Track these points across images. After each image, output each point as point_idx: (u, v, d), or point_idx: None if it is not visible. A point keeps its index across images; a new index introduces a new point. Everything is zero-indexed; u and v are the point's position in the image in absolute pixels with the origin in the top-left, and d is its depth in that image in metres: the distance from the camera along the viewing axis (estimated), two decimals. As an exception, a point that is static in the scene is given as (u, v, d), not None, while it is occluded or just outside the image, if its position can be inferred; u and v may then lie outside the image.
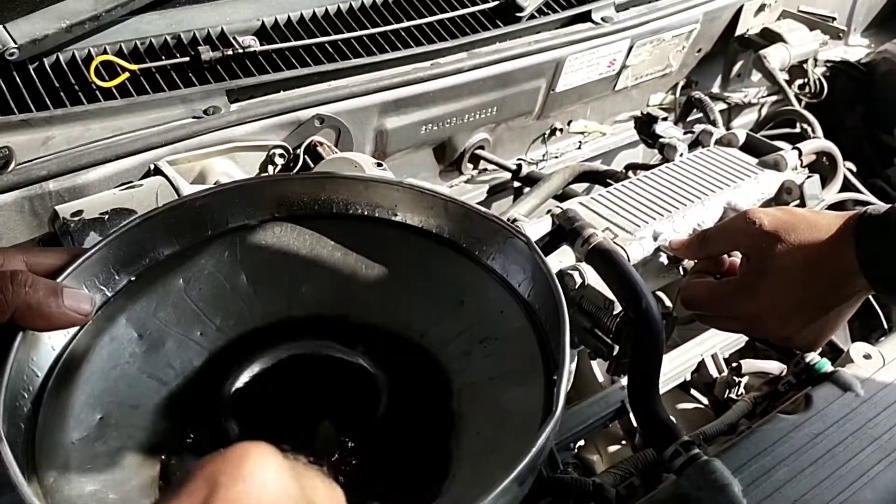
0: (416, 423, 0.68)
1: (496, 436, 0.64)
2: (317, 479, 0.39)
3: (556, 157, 1.38)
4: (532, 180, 1.24)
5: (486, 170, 1.32)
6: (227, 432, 0.65)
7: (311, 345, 0.73)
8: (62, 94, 0.97)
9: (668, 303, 1.00)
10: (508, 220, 0.98)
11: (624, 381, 0.98)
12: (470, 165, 1.30)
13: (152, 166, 0.92)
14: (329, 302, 0.75)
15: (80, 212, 0.82)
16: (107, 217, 0.82)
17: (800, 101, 1.51)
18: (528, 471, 0.51)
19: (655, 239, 0.94)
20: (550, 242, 0.85)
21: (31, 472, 0.56)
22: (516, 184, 1.32)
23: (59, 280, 0.59)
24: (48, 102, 0.96)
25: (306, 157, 1.02)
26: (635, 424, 0.97)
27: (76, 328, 0.64)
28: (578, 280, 0.87)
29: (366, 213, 0.75)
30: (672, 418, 0.82)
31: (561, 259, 0.91)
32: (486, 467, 0.63)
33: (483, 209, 0.71)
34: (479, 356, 0.69)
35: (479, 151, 1.28)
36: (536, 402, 0.62)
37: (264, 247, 0.74)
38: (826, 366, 0.93)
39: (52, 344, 0.62)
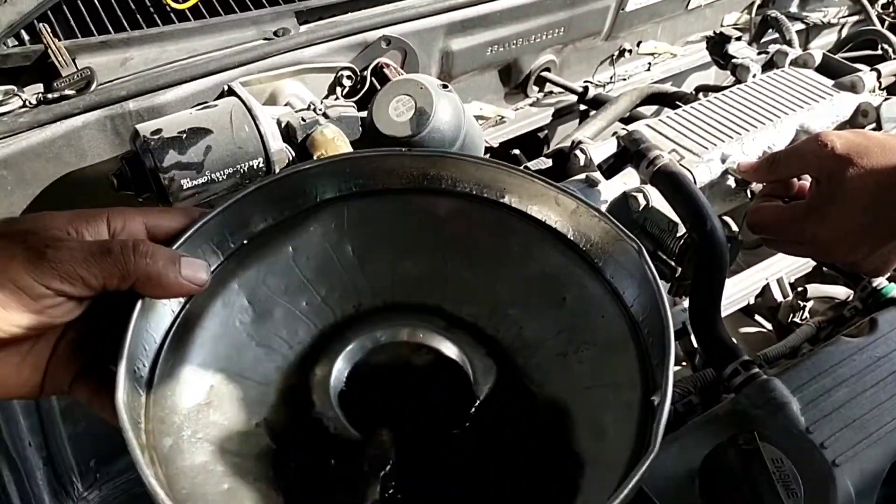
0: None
1: (588, 450, 0.62)
2: None
3: (625, 80, 1.36)
4: (599, 103, 1.23)
5: (551, 92, 1.31)
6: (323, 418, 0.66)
7: (414, 331, 0.72)
8: (138, 16, 1.00)
9: (734, 227, 0.99)
10: (573, 142, 0.98)
11: (685, 303, 0.99)
12: (535, 88, 1.29)
13: (226, 87, 0.95)
14: (428, 281, 0.73)
15: (159, 130, 0.86)
16: (184, 136, 0.86)
17: (882, 21, 1.45)
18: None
19: (723, 162, 0.93)
20: (615, 164, 0.86)
21: (149, 438, 0.57)
22: (582, 107, 1.30)
23: (176, 245, 0.60)
24: (125, 24, 0.99)
25: (373, 78, 1.03)
26: (696, 345, 0.99)
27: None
28: (643, 202, 0.88)
29: (474, 192, 0.72)
30: (733, 339, 0.83)
31: (625, 181, 0.91)
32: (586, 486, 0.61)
33: (595, 206, 0.67)
34: (575, 361, 0.67)
35: (545, 73, 1.27)
36: (630, 423, 0.59)
37: (371, 219, 0.73)
38: (894, 290, 0.92)
39: (169, 309, 0.63)
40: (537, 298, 0.70)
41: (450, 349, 0.71)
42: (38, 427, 0.75)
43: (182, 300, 0.64)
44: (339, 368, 0.68)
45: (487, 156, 1.28)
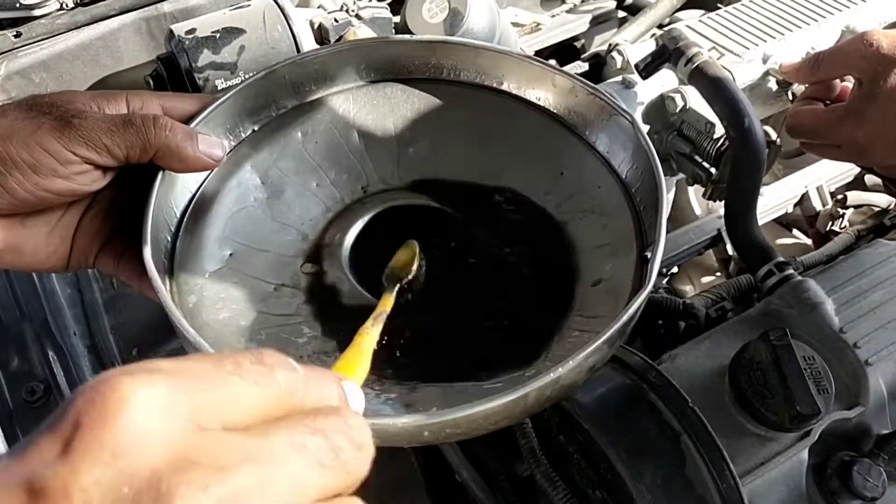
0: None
1: (588, 298, 0.67)
2: (238, 385, 0.30)
3: (665, -15, 1.31)
4: (639, 9, 1.20)
5: (589, -2, 1.28)
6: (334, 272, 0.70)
7: (420, 199, 0.76)
8: (172, -84, 0.99)
9: (773, 135, 0.97)
10: (610, 45, 0.96)
11: (721, 210, 0.98)
12: (573, -7, 1.26)
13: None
14: (432, 163, 0.77)
15: (193, 30, 0.85)
16: (218, 35, 0.85)
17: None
18: (618, 335, 0.55)
19: (765, 62, 0.90)
20: (652, 63, 0.84)
21: (174, 297, 0.62)
22: (621, 13, 1.27)
23: (192, 125, 0.64)
24: (160, -76, 0.98)
25: (407, -19, 1.01)
26: (730, 252, 0.98)
27: (207, 171, 0.69)
28: (680, 103, 0.86)
29: (474, 80, 0.77)
30: (769, 243, 0.82)
31: (663, 83, 0.89)
32: (572, 326, 0.66)
33: (590, 84, 0.71)
34: (576, 227, 0.71)
35: (583, -22, 1.24)
36: (627, 275, 0.65)
37: (376, 106, 0.77)
38: (937, 195, 0.90)
39: (187, 185, 0.68)
40: (537, 174, 0.74)
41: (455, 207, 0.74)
42: (83, 317, 0.78)
43: (199, 180, 0.68)
44: (350, 238, 0.72)
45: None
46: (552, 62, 0.95)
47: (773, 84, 0.91)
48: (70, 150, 0.54)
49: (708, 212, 1.09)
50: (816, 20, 0.94)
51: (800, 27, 0.93)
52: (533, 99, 0.75)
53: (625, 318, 0.54)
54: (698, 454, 0.66)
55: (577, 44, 1.29)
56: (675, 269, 1.06)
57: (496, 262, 0.71)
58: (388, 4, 1.00)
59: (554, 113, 0.74)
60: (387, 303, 0.61)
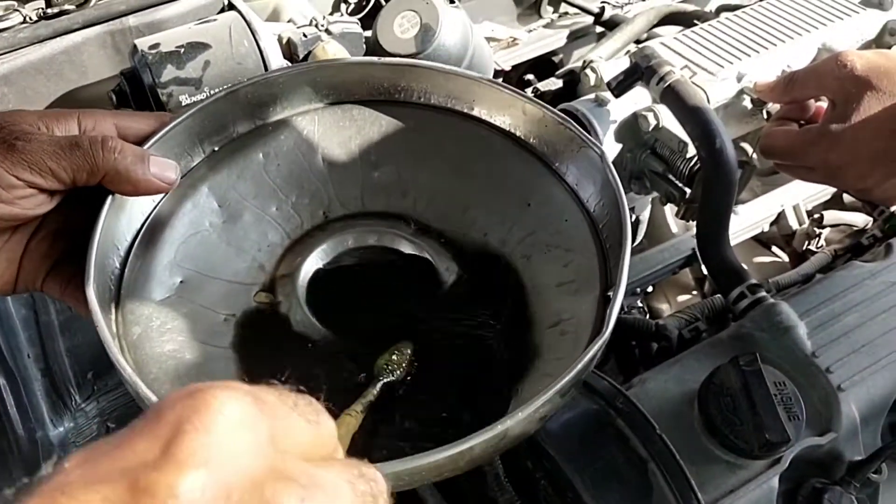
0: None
1: (547, 342, 0.66)
2: (298, 420, 0.33)
3: (644, 0, 1.31)
4: (616, 24, 1.18)
5: (566, 13, 1.26)
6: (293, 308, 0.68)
7: (382, 236, 0.74)
8: (139, -71, 0.98)
9: (750, 152, 0.96)
10: (585, 62, 0.95)
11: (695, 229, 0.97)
12: (550, 8, 1.25)
13: (226, 2, 0.92)
14: (397, 190, 0.76)
15: (157, 45, 0.84)
16: (182, 50, 0.84)
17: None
18: (571, 385, 0.53)
19: (739, 80, 0.89)
20: (624, 82, 0.82)
21: (118, 327, 0.60)
22: (599, 29, 1.26)
23: (146, 146, 0.62)
24: (125, -63, 0.96)
25: (379, -5, 1.00)
26: (705, 271, 0.97)
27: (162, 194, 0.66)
28: (653, 121, 0.85)
29: (445, 104, 0.75)
30: (742, 264, 0.81)
31: (636, 100, 0.88)
32: (534, 373, 0.64)
33: (561, 114, 0.70)
34: (539, 262, 0.70)
35: (560, -7, 1.23)
36: (589, 316, 0.63)
37: (342, 128, 0.75)
38: (911, 216, 0.89)
39: (141, 207, 0.66)
40: (503, 205, 0.72)
41: (415, 251, 0.73)
42: (37, 339, 0.76)
43: (153, 201, 0.66)
44: (307, 269, 0.70)
45: (500, 79, 1.25)
46: (530, 90, 0.94)
47: (747, 102, 0.90)
48: (13, 175, 0.53)
49: (685, 230, 1.08)
50: (792, 38, 0.93)
51: (775, 45, 0.92)
52: (503, 126, 0.74)
53: (575, 370, 0.52)
54: (665, 482, 0.65)
55: (556, 58, 1.28)
56: (650, 288, 1.05)
57: (451, 327, 0.69)
58: (359, 20, 0.98)
59: (524, 141, 0.73)
60: (371, 393, 0.59)
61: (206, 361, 0.62)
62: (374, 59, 0.75)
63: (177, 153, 0.67)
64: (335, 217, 0.74)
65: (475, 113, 0.75)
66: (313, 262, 0.70)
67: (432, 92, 0.75)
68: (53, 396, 0.69)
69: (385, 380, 0.62)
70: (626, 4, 1.26)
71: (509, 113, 0.73)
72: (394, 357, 0.64)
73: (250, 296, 0.68)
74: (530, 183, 0.72)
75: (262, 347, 0.64)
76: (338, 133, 0.75)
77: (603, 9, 1.22)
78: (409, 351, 0.65)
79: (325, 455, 0.34)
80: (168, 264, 0.66)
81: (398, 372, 0.63)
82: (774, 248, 1.16)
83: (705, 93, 0.86)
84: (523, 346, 0.66)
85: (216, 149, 0.71)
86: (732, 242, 0.98)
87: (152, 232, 0.66)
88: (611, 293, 0.59)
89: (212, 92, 0.86)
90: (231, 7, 0.91)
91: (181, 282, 0.66)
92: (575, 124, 0.68)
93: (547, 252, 0.69)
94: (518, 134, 0.73)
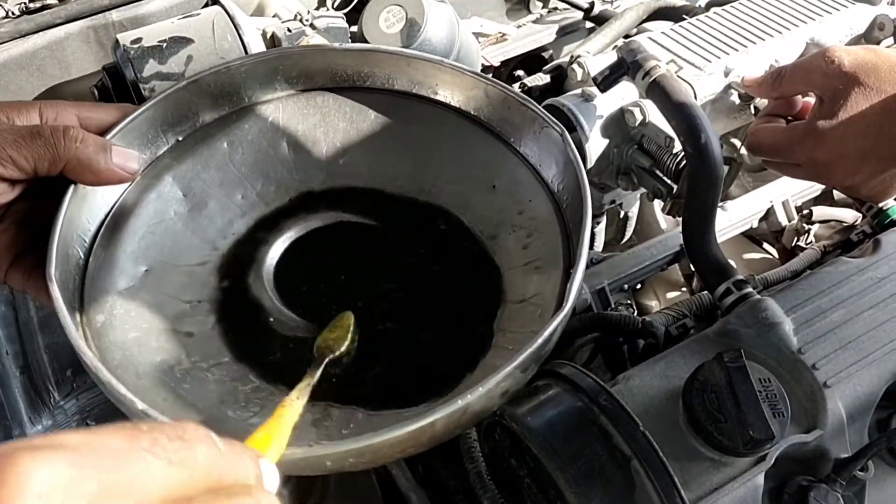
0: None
1: (513, 318, 0.66)
2: (153, 463, 0.28)
3: (634, -4, 1.30)
4: (605, 20, 1.18)
5: (556, 9, 1.26)
6: (256, 288, 0.68)
7: (347, 215, 0.75)
8: (123, -77, 0.97)
9: (743, 151, 0.96)
10: (573, 57, 0.94)
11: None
12: (539, 4, 1.24)
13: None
14: (364, 175, 0.76)
15: (139, 39, 0.83)
16: (165, 45, 0.83)
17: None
18: (532, 360, 0.54)
19: (726, 75, 0.89)
20: (610, 76, 0.82)
21: (81, 315, 0.60)
22: (588, 24, 1.25)
23: (108, 137, 0.62)
24: (109, -68, 0.96)
25: (366, -9, 0.99)
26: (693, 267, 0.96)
27: (126, 184, 0.67)
28: (639, 117, 0.84)
29: (409, 89, 0.76)
30: (728, 260, 0.80)
31: (623, 96, 0.87)
32: (498, 350, 0.65)
33: (522, 95, 0.72)
34: (505, 241, 0.71)
35: (549, -12, 1.22)
36: (553, 293, 0.64)
37: (307, 116, 0.76)
38: (899, 211, 0.88)
39: (104, 198, 0.66)
40: (469, 187, 0.73)
41: (383, 227, 0.73)
42: (16, 336, 0.75)
43: (117, 191, 0.66)
44: (274, 254, 0.70)
45: (490, 75, 1.24)
46: (517, 85, 0.94)
47: (735, 97, 0.89)
48: None
49: (674, 226, 1.07)
50: (781, 32, 0.92)
51: (763, 40, 0.91)
52: (467, 109, 0.75)
53: (536, 344, 0.53)
54: (648, 480, 0.64)
55: (545, 54, 1.27)
56: (638, 285, 1.04)
57: (420, 285, 0.70)
58: (345, 14, 0.98)
59: (487, 123, 0.74)
60: (313, 375, 0.57)
61: (170, 348, 0.62)
62: (336, 45, 0.77)
63: (140, 143, 0.67)
64: (301, 202, 0.74)
65: (439, 97, 0.76)
66: (280, 246, 0.70)
67: (395, 77, 0.76)
68: (32, 394, 0.68)
69: (330, 357, 0.61)
70: (616, 0, 1.26)
71: (472, 96, 0.74)
72: (335, 333, 0.63)
73: (215, 282, 0.68)
74: (495, 165, 0.73)
75: (229, 335, 0.64)
76: (303, 120, 0.76)
77: (592, 4, 1.22)
78: (350, 323, 0.64)
79: (203, 490, 0.30)
80: (132, 253, 0.66)
81: (342, 346, 0.62)
82: (765, 245, 1.16)
83: (692, 87, 0.85)
84: (488, 321, 0.66)
85: (180, 139, 0.71)
86: (721, 238, 0.98)
87: (116, 221, 0.66)
88: (573, 270, 0.59)
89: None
90: (215, 2, 0.91)
91: (145, 270, 0.66)
92: (536, 105, 0.70)
93: (512, 232, 0.70)
94: (482, 117, 0.74)
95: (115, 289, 0.64)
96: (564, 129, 0.67)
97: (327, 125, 0.76)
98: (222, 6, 0.89)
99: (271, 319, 0.66)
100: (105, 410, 0.70)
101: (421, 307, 0.68)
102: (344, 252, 0.71)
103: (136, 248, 0.66)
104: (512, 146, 0.73)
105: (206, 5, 0.93)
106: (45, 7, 0.89)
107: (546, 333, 0.54)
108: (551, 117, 0.68)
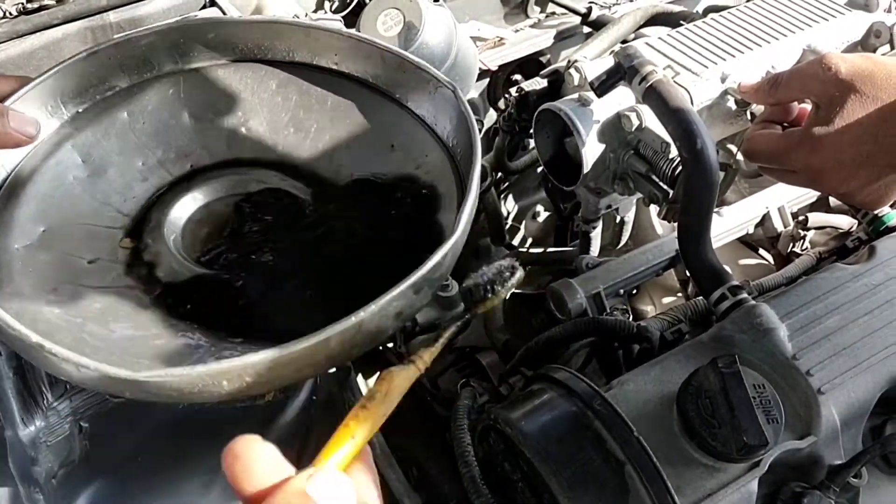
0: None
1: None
2: None
3: (632, 0, 1.30)
4: (603, 25, 1.18)
5: (553, 13, 1.26)
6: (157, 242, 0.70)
7: (250, 177, 0.77)
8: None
9: (739, 157, 0.96)
10: (569, 62, 0.94)
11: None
12: (537, 8, 1.25)
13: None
14: (266, 145, 0.79)
15: (135, 41, 0.83)
16: (161, 46, 0.83)
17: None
18: (425, 282, 0.56)
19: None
20: (607, 81, 0.82)
21: None
22: (586, 29, 1.26)
23: (7, 104, 0.65)
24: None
25: (363, -7, 1.00)
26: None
27: (24, 150, 0.70)
28: (636, 122, 0.84)
29: (309, 60, 0.80)
30: (724, 265, 0.80)
31: (620, 101, 0.87)
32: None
33: (417, 59, 0.75)
34: (407, 193, 0.74)
35: (547, -7, 1.23)
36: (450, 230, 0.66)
37: (209, 88, 0.79)
38: (894, 218, 0.88)
39: (1, 165, 0.69)
40: (368, 148, 0.77)
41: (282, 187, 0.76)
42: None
43: (16, 158, 0.69)
44: (175, 215, 0.73)
45: (487, 80, 1.24)
46: (514, 90, 0.94)
47: (731, 103, 0.89)
48: None
49: (671, 231, 1.07)
50: (777, 39, 0.92)
51: (760, 46, 0.91)
52: (366, 77, 0.78)
53: (427, 267, 0.55)
54: (642, 485, 0.64)
55: (543, 58, 1.28)
56: (634, 290, 1.04)
57: (321, 235, 0.72)
58: (343, 17, 0.98)
59: (385, 90, 0.78)
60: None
61: (67, 301, 0.63)
62: (233, 17, 0.80)
63: (40, 113, 0.70)
64: (202, 168, 0.77)
65: (339, 67, 0.79)
66: (181, 208, 0.73)
67: (295, 49, 0.79)
68: (25, 395, 0.68)
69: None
70: (614, 5, 1.26)
71: (370, 63, 0.77)
72: None
73: (115, 241, 0.70)
74: (393, 127, 0.77)
75: (129, 289, 0.66)
76: (204, 92, 0.78)
77: (590, 9, 1.22)
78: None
79: None
80: (31, 215, 0.68)
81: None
82: (760, 251, 1.16)
83: (689, 93, 0.85)
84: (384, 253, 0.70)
85: (80, 109, 0.74)
86: (718, 244, 0.98)
87: (14, 187, 0.68)
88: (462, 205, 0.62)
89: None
90: (213, 3, 0.91)
91: (43, 231, 0.68)
92: (428, 66, 0.73)
93: (412, 183, 0.74)
94: (380, 84, 0.78)
95: (13, 247, 0.65)
96: (457, 87, 0.71)
97: (229, 96, 0.79)
98: (220, 8, 0.89)
99: (170, 270, 0.68)
100: (98, 412, 0.70)
101: (322, 254, 0.71)
102: (248, 215, 0.74)
103: (35, 210, 0.68)
104: (409, 109, 0.76)
105: (203, 7, 0.93)
106: (42, 7, 0.89)
107: (436, 258, 0.56)
108: (445, 77, 0.72)
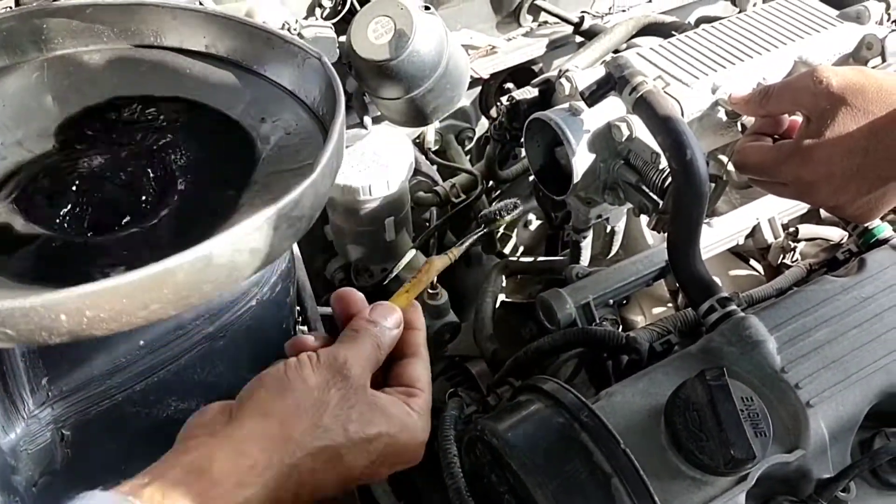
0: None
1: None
2: None
3: (624, 11, 1.30)
4: (595, 34, 1.18)
5: (546, 22, 1.26)
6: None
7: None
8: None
9: (730, 168, 0.96)
10: (561, 71, 0.94)
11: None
12: (529, 17, 1.24)
13: (198, 2, 0.91)
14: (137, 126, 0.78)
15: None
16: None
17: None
18: (283, 220, 0.55)
19: (714, 92, 0.89)
20: (597, 91, 0.82)
21: None
22: (578, 38, 1.26)
23: None
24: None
25: (354, 0, 0.99)
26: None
27: None
28: (626, 132, 0.84)
29: (179, 44, 0.80)
30: (713, 277, 0.80)
31: (610, 111, 0.87)
32: None
33: (286, 34, 0.77)
34: (279, 156, 0.74)
35: (539, 2, 1.22)
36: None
37: (73, 72, 0.78)
38: (885, 231, 0.88)
39: None
40: (240, 126, 0.76)
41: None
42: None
43: None
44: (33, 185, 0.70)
45: (479, 87, 1.24)
46: (505, 98, 0.94)
47: (722, 114, 0.89)
48: None
49: (661, 241, 1.07)
50: (769, 50, 0.92)
51: (751, 57, 0.91)
52: (235, 57, 0.79)
53: (282, 202, 0.54)
54: (629, 498, 0.63)
55: (535, 67, 1.28)
56: (624, 300, 1.04)
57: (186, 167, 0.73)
58: (334, 24, 0.97)
59: (254, 70, 0.78)
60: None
61: None
62: (97, 2, 0.79)
63: None
64: (68, 147, 0.75)
65: (210, 49, 0.79)
66: (42, 179, 0.71)
67: (163, 32, 0.79)
68: (5, 402, 0.67)
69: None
70: (606, 15, 1.26)
71: (238, 42, 0.78)
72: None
73: None
74: (265, 102, 0.77)
75: None
76: (69, 76, 0.78)
77: (582, 19, 1.22)
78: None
79: None
80: None
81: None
82: (751, 261, 1.16)
83: (679, 104, 0.85)
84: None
85: None
86: (708, 255, 0.98)
87: None
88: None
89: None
90: (202, 8, 0.90)
91: None
92: (298, 39, 0.76)
93: (284, 149, 0.74)
94: (249, 64, 0.78)
95: None
96: (322, 55, 0.73)
97: (94, 81, 0.78)
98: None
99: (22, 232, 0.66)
100: (80, 420, 0.69)
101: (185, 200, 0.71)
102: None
103: None
104: (279, 84, 0.77)
105: (193, 12, 0.92)
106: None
107: (293, 195, 0.55)
108: (312, 48, 0.74)
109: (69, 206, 0.68)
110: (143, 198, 0.69)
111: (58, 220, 0.67)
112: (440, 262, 0.73)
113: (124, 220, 0.67)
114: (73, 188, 0.70)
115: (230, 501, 0.52)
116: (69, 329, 0.48)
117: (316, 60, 0.72)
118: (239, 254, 0.53)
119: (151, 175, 0.72)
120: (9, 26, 0.75)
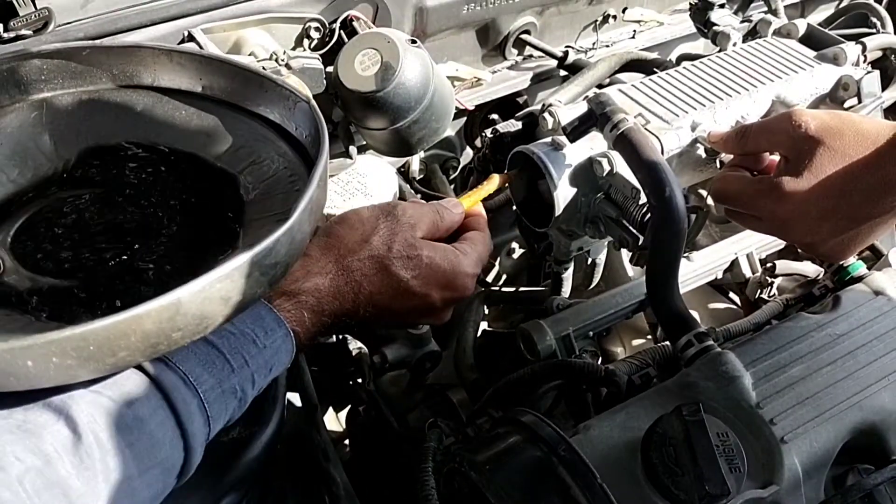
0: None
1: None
2: None
3: (608, 46, 1.32)
4: (579, 69, 1.20)
5: (531, 56, 1.28)
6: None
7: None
8: (102, -44, 0.98)
9: (710, 201, 0.97)
10: (544, 105, 0.96)
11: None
12: (514, 51, 1.26)
13: (186, 33, 0.92)
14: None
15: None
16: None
17: (879, -3, 1.41)
18: (255, 268, 0.56)
19: (693, 130, 0.90)
20: (579, 127, 0.83)
21: None
22: (562, 72, 1.27)
23: None
24: (88, -36, 0.96)
25: (342, 32, 1.01)
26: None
27: None
28: (607, 167, 0.85)
29: (173, 85, 0.82)
30: (690, 311, 0.81)
31: (592, 146, 0.89)
32: None
33: (277, 78, 0.80)
34: (268, 199, 0.76)
35: (524, 36, 1.24)
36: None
37: (72, 113, 0.80)
38: (860, 268, 0.90)
39: None
40: (234, 167, 0.78)
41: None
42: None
43: None
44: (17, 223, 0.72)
45: (463, 119, 1.26)
46: (489, 131, 0.95)
47: (701, 151, 0.91)
48: None
49: (642, 274, 1.08)
50: (748, 89, 0.94)
51: (731, 96, 0.93)
52: (231, 100, 0.81)
53: (256, 250, 0.55)
54: (605, 533, 0.64)
55: (520, 99, 1.29)
56: (605, 332, 1.05)
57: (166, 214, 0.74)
58: (321, 55, 0.98)
59: (249, 110, 0.81)
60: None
61: None
62: (98, 42, 0.83)
63: None
64: (64, 186, 0.77)
65: (207, 91, 0.81)
66: (34, 223, 0.72)
67: (161, 74, 0.81)
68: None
69: None
70: (590, 50, 1.28)
71: (234, 84, 0.80)
72: None
73: None
74: (256, 143, 0.79)
75: None
76: (68, 117, 0.80)
77: (566, 53, 1.24)
78: None
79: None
80: None
81: None
82: (730, 294, 1.17)
83: (659, 141, 0.87)
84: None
85: None
86: (687, 288, 0.99)
87: None
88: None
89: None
90: (191, 39, 0.91)
91: None
92: (288, 83, 0.79)
93: (274, 191, 0.76)
94: (246, 105, 0.81)
95: None
96: (311, 98, 0.76)
97: (92, 121, 0.80)
98: (197, 43, 0.89)
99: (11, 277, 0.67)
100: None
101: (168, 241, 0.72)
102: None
103: None
104: (274, 123, 0.80)
105: (181, 42, 0.93)
106: (18, 38, 0.89)
107: (267, 242, 0.56)
108: (300, 91, 0.77)
109: (55, 248, 0.69)
110: (129, 239, 0.71)
111: (42, 263, 0.68)
112: (497, 178, 0.88)
113: (110, 263, 0.68)
114: (60, 231, 0.71)
115: (301, 286, 0.69)
116: (37, 374, 0.47)
117: (306, 105, 0.75)
118: (209, 302, 0.53)
119: (138, 220, 0.73)
120: (8, 66, 0.76)
